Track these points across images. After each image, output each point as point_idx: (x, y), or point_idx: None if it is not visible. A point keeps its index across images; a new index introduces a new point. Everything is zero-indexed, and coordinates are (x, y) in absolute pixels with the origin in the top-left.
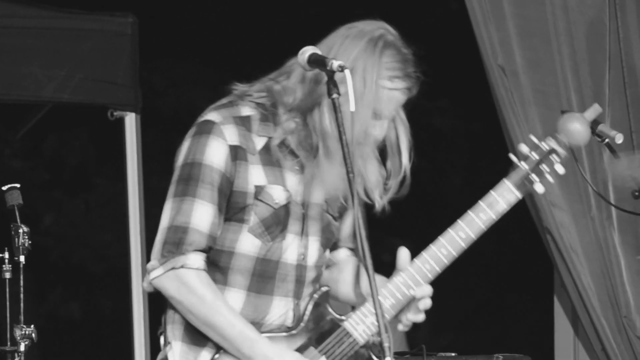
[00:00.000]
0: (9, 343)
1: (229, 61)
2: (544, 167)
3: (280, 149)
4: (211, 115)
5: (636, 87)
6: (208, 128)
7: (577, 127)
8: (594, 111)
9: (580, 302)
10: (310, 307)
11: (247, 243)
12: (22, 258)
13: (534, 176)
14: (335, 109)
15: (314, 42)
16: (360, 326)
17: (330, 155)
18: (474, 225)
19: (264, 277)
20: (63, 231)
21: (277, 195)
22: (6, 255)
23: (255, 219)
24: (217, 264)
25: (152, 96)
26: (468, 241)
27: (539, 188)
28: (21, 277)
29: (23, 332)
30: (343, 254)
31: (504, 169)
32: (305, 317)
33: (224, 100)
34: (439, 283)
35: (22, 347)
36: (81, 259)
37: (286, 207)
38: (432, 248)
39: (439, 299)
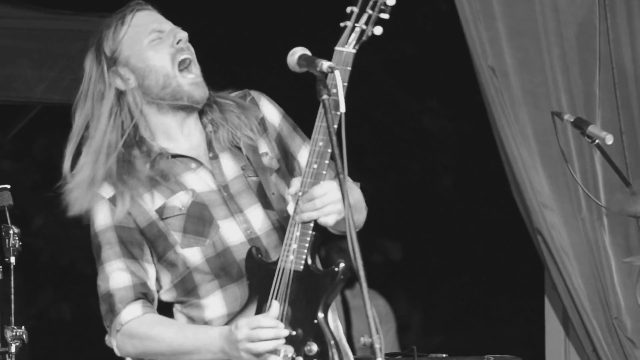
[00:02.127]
0: None
1: (217, 60)
2: (369, 10)
3: (159, 162)
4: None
5: (626, 88)
6: (91, 203)
7: None
8: None
9: (571, 303)
10: (245, 273)
11: (191, 257)
12: (12, 259)
13: (362, 25)
14: (326, 109)
15: (301, 43)
16: (290, 257)
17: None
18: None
19: (225, 268)
20: (53, 232)
21: (180, 201)
22: None
23: (177, 234)
24: (187, 290)
25: None
26: (331, 124)
27: (377, 31)
28: (12, 278)
29: (14, 334)
30: None
31: (495, 169)
32: (247, 284)
33: None
34: (430, 284)
35: (12, 349)
36: (72, 260)
37: (196, 204)
38: (311, 146)
39: (430, 300)
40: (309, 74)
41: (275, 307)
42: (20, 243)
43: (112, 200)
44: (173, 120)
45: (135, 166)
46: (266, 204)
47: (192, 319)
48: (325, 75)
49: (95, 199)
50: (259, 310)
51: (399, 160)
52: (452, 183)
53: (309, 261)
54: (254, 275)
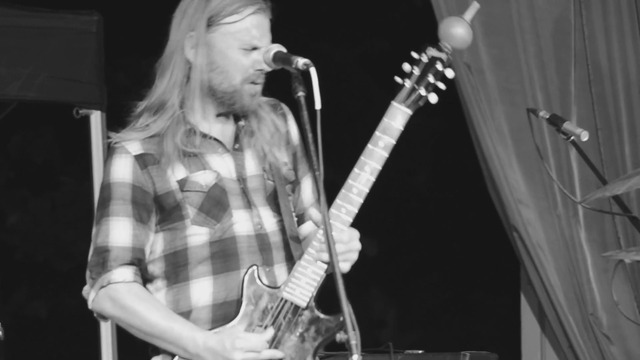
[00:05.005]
0: None
1: None
2: (430, 77)
3: (193, 138)
4: (113, 139)
5: (601, 85)
6: (112, 151)
7: (458, 31)
8: (473, 9)
9: (547, 299)
10: (244, 290)
11: (196, 235)
12: None
13: (421, 89)
14: (301, 107)
15: (279, 40)
16: (297, 290)
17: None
18: (376, 155)
19: (225, 256)
20: (28, 230)
21: (203, 179)
22: None
23: (192, 209)
24: (177, 265)
25: (117, 94)
26: (375, 173)
27: (432, 98)
28: None
29: None
30: (309, 228)
31: (470, 166)
32: (243, 302)
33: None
34: (406, 281)
35: None
36: (46, 258)
37: (218, 186)
38: (343, 192)
39: (406, 297)
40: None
41: (270, 333)
42: None
43: (138, 159)
44: (212, 106)
45: (177, 133)
46: (276, 209)
47: (174, 303)
48: (300, 72)
49: (119, 151)
50: (248, 331)
51: None
52: (428, 179)
53: (313, 300)
54: (252, 296)
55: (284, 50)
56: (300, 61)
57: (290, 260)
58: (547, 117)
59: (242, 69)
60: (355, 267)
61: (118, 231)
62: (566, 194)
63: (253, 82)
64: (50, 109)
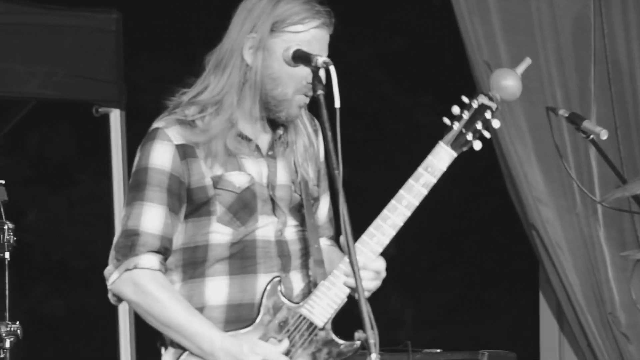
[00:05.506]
0: None
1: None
2: (478, 124)
3: (234, 137)
4: (155, 124)
5: (621, 83)
6: (153, 135)
7: (508, 82)
8: (524, 64)
9: (566, 298)
10: (264, 300)
11: (218, 233)
12: (7, 255)
13: (469, 134)
14: (320, 105)
15: None
16: (316, 310)
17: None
18: (415, 190)
19: (243, 258)
20: (46, 227)
21: (238, 180)
22: None
23: (221, 208)
24: (194, 260)
25: (135, 92)
26: (411, 207)
27: (476, 145)
28: (6, 273)
29: (8, 329)
30: (322, 243)
31: (489, 164)
32: (261, 311)
33: (165, 112)
34: (424, 279)
35: (7, 344)
36: (64, 256)
37: (250, 190)
38: (378, 221)
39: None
40: None
41: (285, 346)
42: (15, 238)
43: (179, 148)
44: (258, 109)
45: (228, 136)
46: (299, 220)
47: (187, 298)
48: (319, 70)
49: (161, 136)
50: (263, 340)
51: (392, 155)
52: (446, 177)
53: (330, 323)
54: (271, 307)
55: (304, 48)
56: (320, 60)
57: (306, 268)
58: (567, 115)
59: (296, 79)
60: None
61: (150, 217)
62: (585, 192)
63: (305, 94)
64: (68, 107)
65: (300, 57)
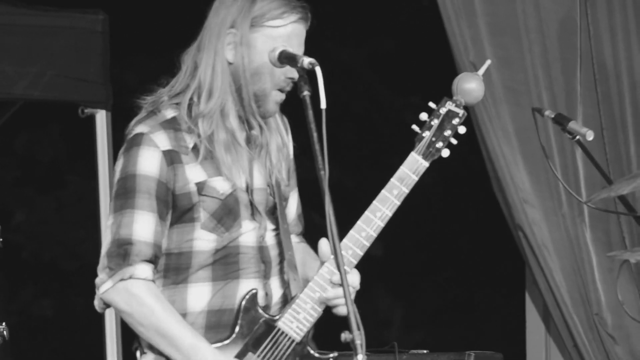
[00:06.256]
0: None
1: None
2: (447, 131)
3: (212, 139)
4: (138, 128)
5: (607, 84)
6: (138, 140)
7: (471, 86)
8: (485, 66)
9: (552, 298)
10: (241, 314)
11: (203, 239)
12: None
13: (439, 142)
14: (307, 106)
15: None
16: (294, 324)
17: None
18: (388, 202)
19: (226, 264)
20: (35, 229)
21: (221, 186)
22: None
23: (205, 214)
24: (177, 266)
25: (122, 93)
26: (384, 219)
27: (444, 153)
28: None
29: None
30: (293, 241)
31: (476, 165)
32: (238, 324)
33: (144, 112)
34: (411, 280)
35: None
36: (53, 257)
37: (233, 196)
38: (352, 233)
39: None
40: None
41: None
42: (1, 239)
43: (166, 155)
44: (235, 108)
45: (221, 138)
46: (274, 222)
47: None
48: (306, 71)
49: (147, 142)
50: (241, 355)
51: (380, 156)
52: (434, 179)
53: (307, 337)
54: (248, 321)
55: (290, 49)
56: (306, 60)
57: (282, 274)
58: (553, 116)
59: (276, 74)
60: (360, 266)
61: (142, 225)
62: (571, 193)
63: (281, 90)
64: (57, 108)
65: (287, 58)
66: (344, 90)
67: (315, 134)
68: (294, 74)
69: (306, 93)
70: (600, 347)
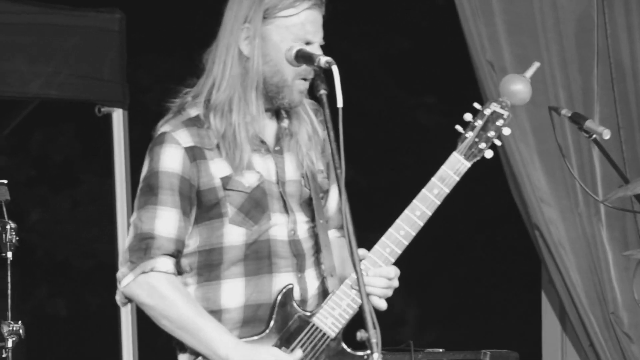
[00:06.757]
0: None
1: None
2: (490, 132)
3: (240, 135)
4: (162, 128)
5: (624, 83)
6: (161, 139)
7: (517, 87)
8: (533, 68)
9: (568, 298)
10: (276, 309)
11: (232, 234)
12: (9, 254)
13: (482, 143)
14: (323, 105)
15: None
16: (329, 320)
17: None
18: (428, 201)
19: (258, 258)
20: (49, 228)
21: (247, 179)
22: None
23: (232, 208)
24: (210, 263)
25: (138, 92)
26: (424, 218)
27: (487, 154)
28: (9, 273)
29: (10, 329)
30: (331, 235)
31: (492, 164)
32: (273, 319)
33: (170, 114)
34: (426, 279)
35: (9, 344)
36: (67, 256)
37: (260, 188)
38: (391, 231)
39: (426, 295)
40: None
41: (299, 354)
42: (17, 238)
43: (188, 151)
44: (261, 101)
45: (245, 136)
46: (309, 215)
47: (204, 301)
48: (322, 70)
49: (169, 140)
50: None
51: (394, 156)
52: None
53: (341, 333)
54: (283, 316)
55: (306, 48)
56: (323, 59)
57: (319, 266)
58: (569, 115)
59: (293, 65)
60: None
61: (164, 220)
62: (588, 192)
63: (304, 78)
64: (72, 107)
65: (303, 57)
66: (358, 89)
67: (331, 133)
68: (310, 74)
69: (323, 92)
70: (616, 346)
